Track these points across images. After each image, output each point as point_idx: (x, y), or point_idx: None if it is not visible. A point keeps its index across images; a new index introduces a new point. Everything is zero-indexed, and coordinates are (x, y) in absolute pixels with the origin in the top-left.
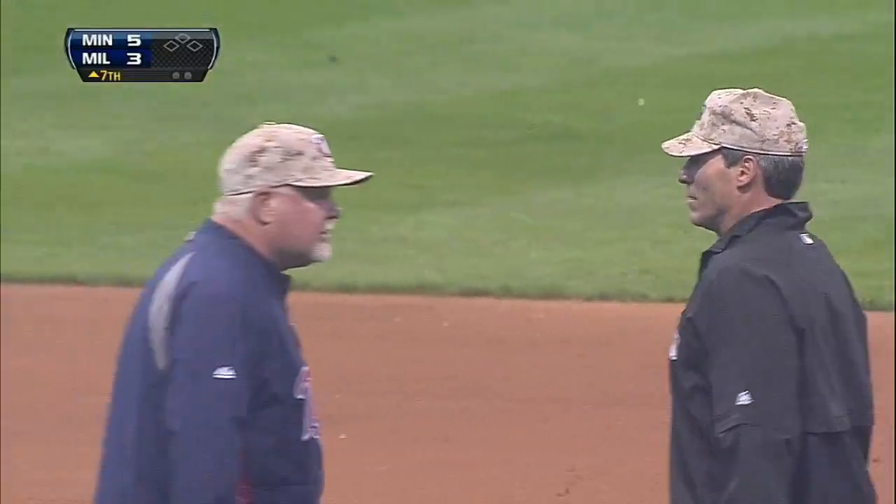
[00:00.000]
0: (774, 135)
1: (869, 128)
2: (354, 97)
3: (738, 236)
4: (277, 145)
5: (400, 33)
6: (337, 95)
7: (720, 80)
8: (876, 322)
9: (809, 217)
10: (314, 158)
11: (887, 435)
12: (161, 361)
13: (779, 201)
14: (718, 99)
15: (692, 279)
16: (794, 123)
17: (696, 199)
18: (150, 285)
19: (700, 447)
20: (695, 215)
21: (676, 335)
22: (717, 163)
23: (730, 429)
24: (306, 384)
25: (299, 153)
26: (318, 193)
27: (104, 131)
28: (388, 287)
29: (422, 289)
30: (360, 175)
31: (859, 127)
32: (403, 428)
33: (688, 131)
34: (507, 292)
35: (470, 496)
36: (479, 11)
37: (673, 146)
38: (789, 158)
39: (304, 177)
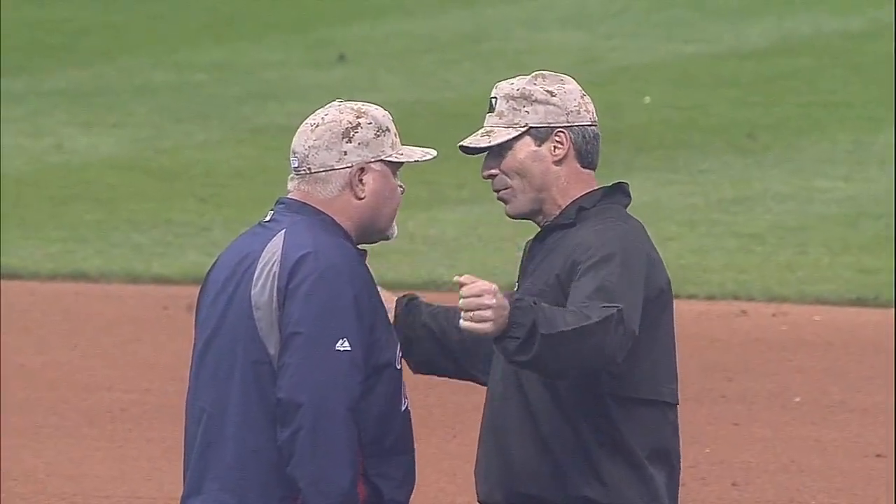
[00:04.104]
0: (575, 106)
1: (873, 125)
2: (365, 95)
3: (585, 208)
4: (370, 121)
5: (409, 32)
6: (348, 94)
7: (726, 77)
8: (877, 319)
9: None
10: (395, 134)
11: (888, 429)
12: (270, 336)
13: (591, 172)
14: (510, 86)
15: (700, 276)
16: (585, 95)
17: (509, 188)
18: (228, 265)
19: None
20: (512, 206)
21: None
22: (527, 145)
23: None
24: (400, 354)
25: (387, 129)
26: (396, 169)
27: (117, 129)
28: (398, 283)
29: (431, 285)
30: (433, 152)
31: (863, 124)
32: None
33: (483, 126)
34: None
35: None
36: (488, 11)
37: (477, 140)
38: (591, 128)
39: (392, 152)
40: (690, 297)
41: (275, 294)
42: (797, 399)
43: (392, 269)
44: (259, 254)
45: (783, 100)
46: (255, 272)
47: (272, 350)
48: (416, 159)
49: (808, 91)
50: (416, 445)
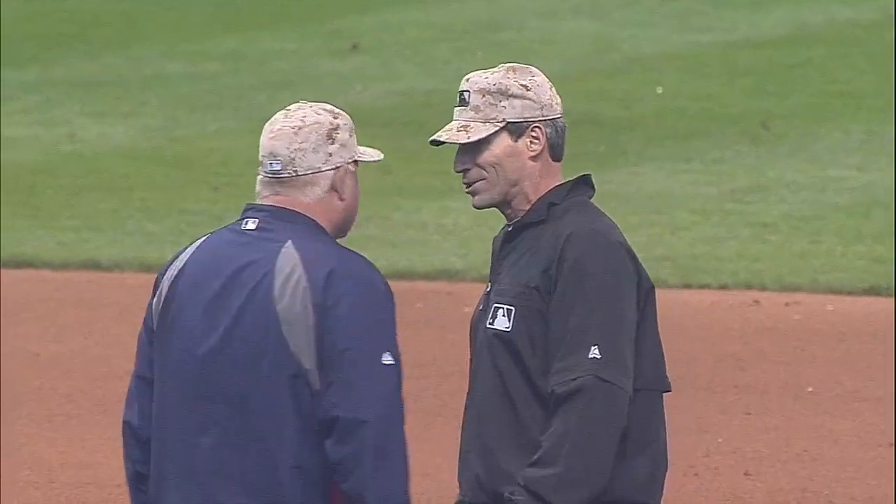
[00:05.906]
0: (547, 99)
1: (886, 115)
2: (380, 84)
3: (555, 204)
4: (345, 122)
5: (424, 21)
6: (362, 83)
7: (740, 66)
8: (890, 308)
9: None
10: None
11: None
12: (305, 351)
13: (559, 164)
14: (484, 79)
15: (711, 265)
16: (553, 86)
17: (483, 180)
18: (216, 275)
19: (542, 413)
20: (481, 198)
21: (506, 305)
22: (503, 140)
23: (576, 378)
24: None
25: (353, 129)
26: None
27: (130, 118)
28: (410, 272)
29: (444, 274)
30: (379, 153)
31: (876, 114)
32: (424, 411)
33: (456, 120)
34: None
35: None
36: (502, 0)
37: (454, 136)
38: (560, 120)
39: (358, 152)
40: (703, 286)
41: (310, 309)
42: (810, 388)
43: (405, 258)
44: (269, 267)
45: (796, 89)
46: (274, 286)
47: (308, 365)
48: (376, 159)
49: (822, 81)
50: (430, 434)
